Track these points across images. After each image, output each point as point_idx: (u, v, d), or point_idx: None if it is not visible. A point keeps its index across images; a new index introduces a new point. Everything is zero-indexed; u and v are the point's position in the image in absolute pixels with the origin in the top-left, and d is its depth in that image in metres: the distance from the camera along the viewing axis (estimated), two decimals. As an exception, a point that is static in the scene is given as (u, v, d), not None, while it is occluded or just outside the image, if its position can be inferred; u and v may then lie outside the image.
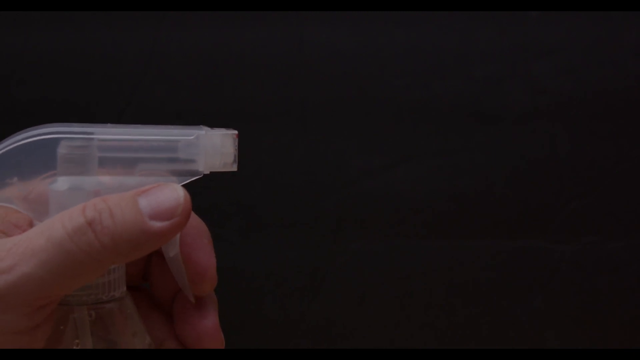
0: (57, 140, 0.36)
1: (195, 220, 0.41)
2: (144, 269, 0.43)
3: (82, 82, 0.77)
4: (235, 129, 0.39)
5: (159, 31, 0.77)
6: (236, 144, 0.38)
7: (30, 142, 0.36)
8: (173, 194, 0.36)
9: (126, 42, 0.77)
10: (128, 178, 0.37)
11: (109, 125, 0.37)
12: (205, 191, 0.75)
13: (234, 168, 0.38)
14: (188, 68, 0.77)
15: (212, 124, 0.39)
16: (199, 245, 0.40)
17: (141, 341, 0.40)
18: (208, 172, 0.38)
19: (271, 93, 0.77)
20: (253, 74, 0.77)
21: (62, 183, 0.37)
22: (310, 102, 0.78)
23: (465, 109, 0.78)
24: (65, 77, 0.77)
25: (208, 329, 0.40)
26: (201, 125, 0.38)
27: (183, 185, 0.37)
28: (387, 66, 0.78)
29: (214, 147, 0.38)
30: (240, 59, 0.77)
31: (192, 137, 0.38)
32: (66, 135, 0.36)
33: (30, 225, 0.38)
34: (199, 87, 0.77)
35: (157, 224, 0.35)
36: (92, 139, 0.37)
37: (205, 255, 0.40)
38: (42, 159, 0.37)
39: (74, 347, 0.38)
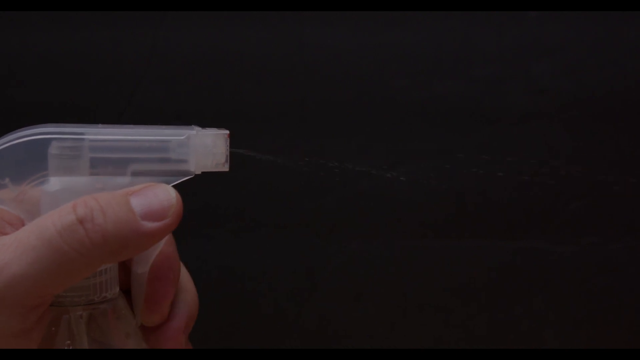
0: (48, 140, 0.36)
1: (170, 250, 0.40)
2: None
3: (82, 83, 0.77)
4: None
5: (159, 31, 0.77)
6: (228, 143, 0.38)
7: (21, 142, 0.36)
8: (165, 194, 0.36)
9: (126, 42, 0.77)
10: (119, 178, 0.37)
11: (100, 125, 0.37)
12: (201, 191, 0.75)
13: (226, 168, 0.38)
14: (188, 68, 0.77)
15: (212, 124, 0.39)
16: (164, 275, 0.40)
17: (135, 342, 0.40)
18: (199, 172, 0.38)
19: (271, 93, 0.77)
20: (253, 74, 0.77)
21: (53, 184, 0.37)
22: (309, 102, 0.78)
23: (465, 109, 0.78)
24: (65, 77, 0.77)
25: (171, 330, 0.40)
26: (193, 125, 0.38)
27: (175, 185, 0.37)
28: (387, 66, 0.78)
29: (205, 147, 0.38)
30: (240, 59, 0.77)
31: (183, 137, 0.37)
32: (57, 135, 0.36)
33: (23, 224, 0.38)
34: (199, 88, 0.77)
35: (149, 224, 0.35)
36: (83, 139, 0.37)
37: (166, 287, 0.40)
38: (34, 160, 0.36)
39: (66, 348, 0.38)
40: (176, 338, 0.40)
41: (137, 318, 0.40)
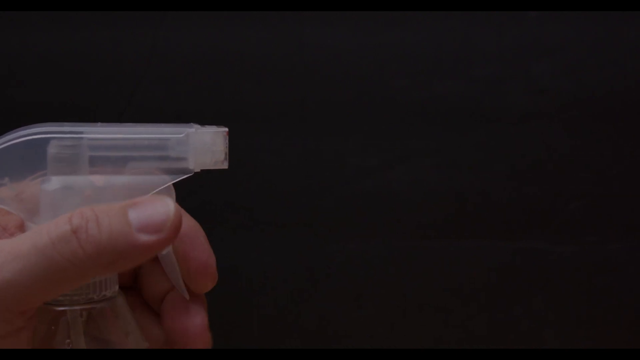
0: (47, 139, 0.36)
1: (190, 220, 0.41)
2: (135, 270, 0.43)
3: (82, 83, 0.77)
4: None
5: (159, 31, 0.77)
6: (227, 141, 0.38)
7: (20, 142, 0.36)
8: (164, 208, 0.35)
9: (126, 42, 0.77)
10: (119, 177, 0.37)
11: (99, 124, 0.37)
12: (202, 189, 0.75)
13: (225, 165, 0.38)
14: (188, 68, 0.77)
15: (212, 124, 0.39)
16: (197, 243, 0.40)
17: (135, 341, 0.40)
18: (199, 170, 0.38)
19: (271, 93, 0.77)
20: (253, 74, 0.77)
21: (53, 183, 0.37)
22: (309, 102, 0.78)
23: (465, 109, 0.78)
24: (65, 77, 0.77)
25: (196, 327, 0.40)
26: (192, 123, 0.38)
27: (174, 184, 0.37)
28: (387, 66, 0.78)
29: (204, 145, 0.38)
30: (240, 59, 0.77)
31: (182, 135, 0.37)
32: (56, 134, 0.36)
33: (19, 228, 0.38)
34: (199, 88, 0.77)
35: (144, 237, 0.35)
36: (82, 138, 0.37)
37: (205, 252, 0.40)
38: (33, 159, 0.36)
39: (66, 347, 0.38)
40: (203, 335, 0.40)
41: (182, 292, 0.40)
